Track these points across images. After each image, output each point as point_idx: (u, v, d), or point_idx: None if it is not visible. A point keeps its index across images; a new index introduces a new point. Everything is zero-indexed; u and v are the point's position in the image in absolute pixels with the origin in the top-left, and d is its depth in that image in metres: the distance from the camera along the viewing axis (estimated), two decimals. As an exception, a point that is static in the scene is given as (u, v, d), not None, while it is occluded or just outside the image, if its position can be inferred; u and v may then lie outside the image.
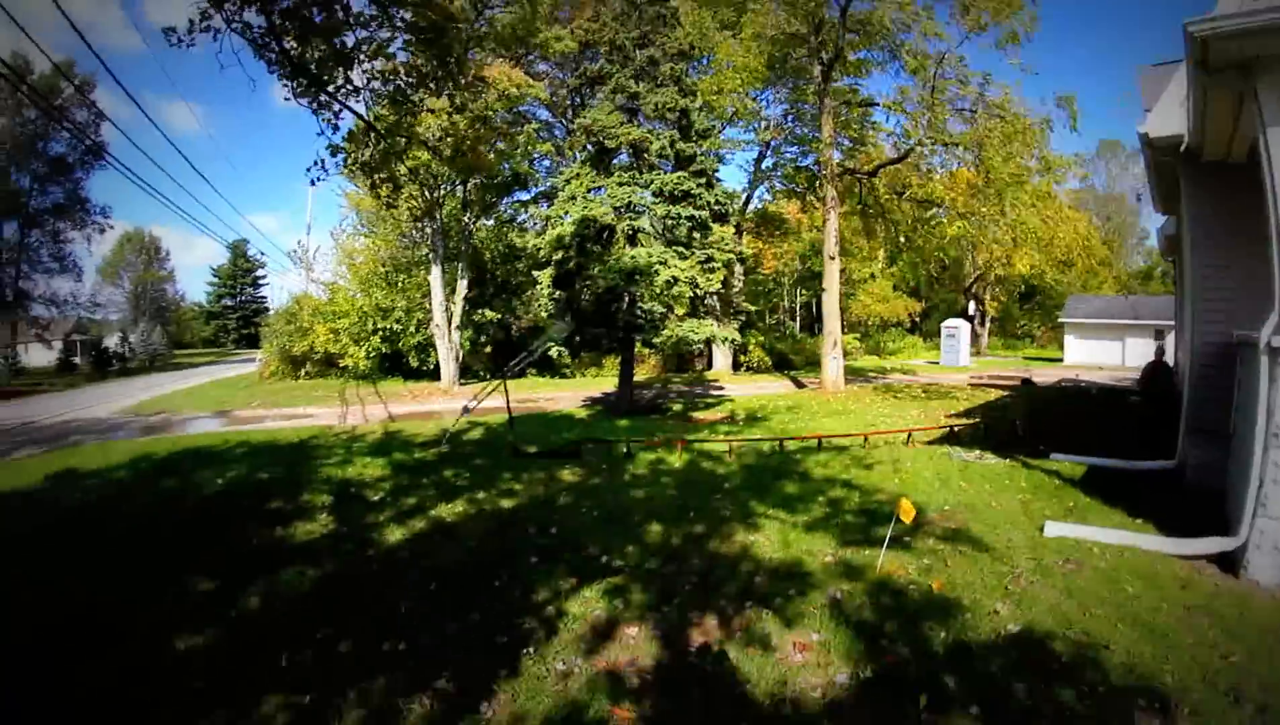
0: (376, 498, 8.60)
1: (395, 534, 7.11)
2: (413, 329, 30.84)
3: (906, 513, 5.57)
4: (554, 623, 4.90)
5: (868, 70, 24.29)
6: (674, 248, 17.22)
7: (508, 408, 13.15)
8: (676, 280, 16.32)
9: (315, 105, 8.28)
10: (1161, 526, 6.57)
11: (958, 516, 7.16)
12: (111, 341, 48.17)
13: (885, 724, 3.67)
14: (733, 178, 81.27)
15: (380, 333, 30.53)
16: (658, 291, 16.69)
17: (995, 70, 20.03)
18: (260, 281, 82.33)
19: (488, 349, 32.84)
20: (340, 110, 8.52)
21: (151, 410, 22.17)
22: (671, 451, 10.77)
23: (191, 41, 7.20)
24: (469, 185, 28.81)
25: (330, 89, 8.15)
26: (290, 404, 23.14)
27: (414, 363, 31.30)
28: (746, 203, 37.11)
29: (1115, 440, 11.07)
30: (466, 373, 30.93)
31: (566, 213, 16.95)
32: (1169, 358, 20.83)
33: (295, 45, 7.61)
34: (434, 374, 29.41)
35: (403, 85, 8.61)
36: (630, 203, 16.97)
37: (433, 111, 10.38)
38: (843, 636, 4.56)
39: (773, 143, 35.10)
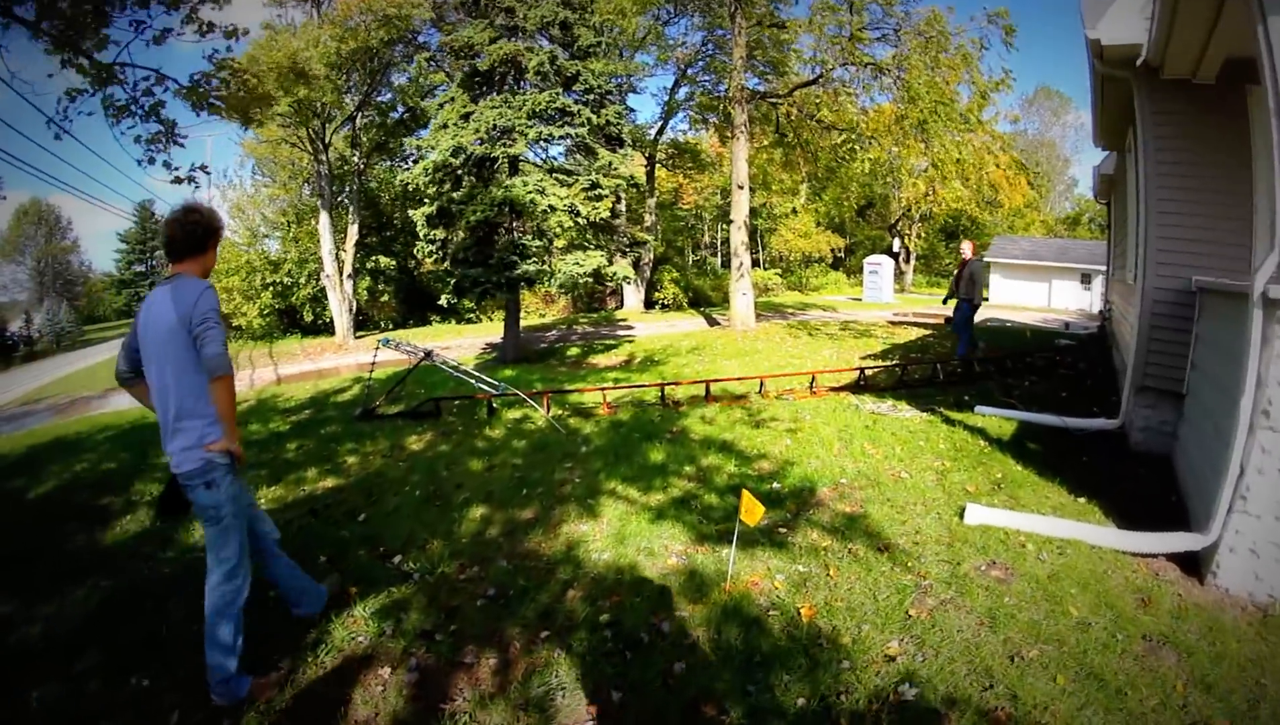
0: (204, 484, 7.27)
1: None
2: (303, 281, 28.57)
3: (750, 513, 4.18)
4: (306, 654, 3.74)
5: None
6: (555, 175, 15.52)
7: (373, 362, 11.59)
8: (554, 209, 14.59)
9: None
10: (1110, 509, 5.31)
11: (856, 494, 5.81)
12: (16, 325, 44.60)
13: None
14: (646, 107, 79.54)
15: (272, 288, 28.22)
16: (538, 223, 15.07)
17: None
18: (172, 242, 76.44)
19: (384, 297, 30.83)
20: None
21: (47, 396, 20.25)
22: (538, 408, 9.40)
23: None
24: (357, 121, 26.54)
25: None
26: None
27: (309, 317, 29.17)
28: (659, 133, 35.49)
29: (1050, 392, 10.01)
30: (367, 324, 29.05)
31: (439, 142, 15.09)
32: (1096, 302, 20.43)
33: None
34: (332, 328, 27.31)
35: None
36: (499, 126, 15.16)
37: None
38: (652, 699, 3.29)
39: (689, 70, 33.37)
